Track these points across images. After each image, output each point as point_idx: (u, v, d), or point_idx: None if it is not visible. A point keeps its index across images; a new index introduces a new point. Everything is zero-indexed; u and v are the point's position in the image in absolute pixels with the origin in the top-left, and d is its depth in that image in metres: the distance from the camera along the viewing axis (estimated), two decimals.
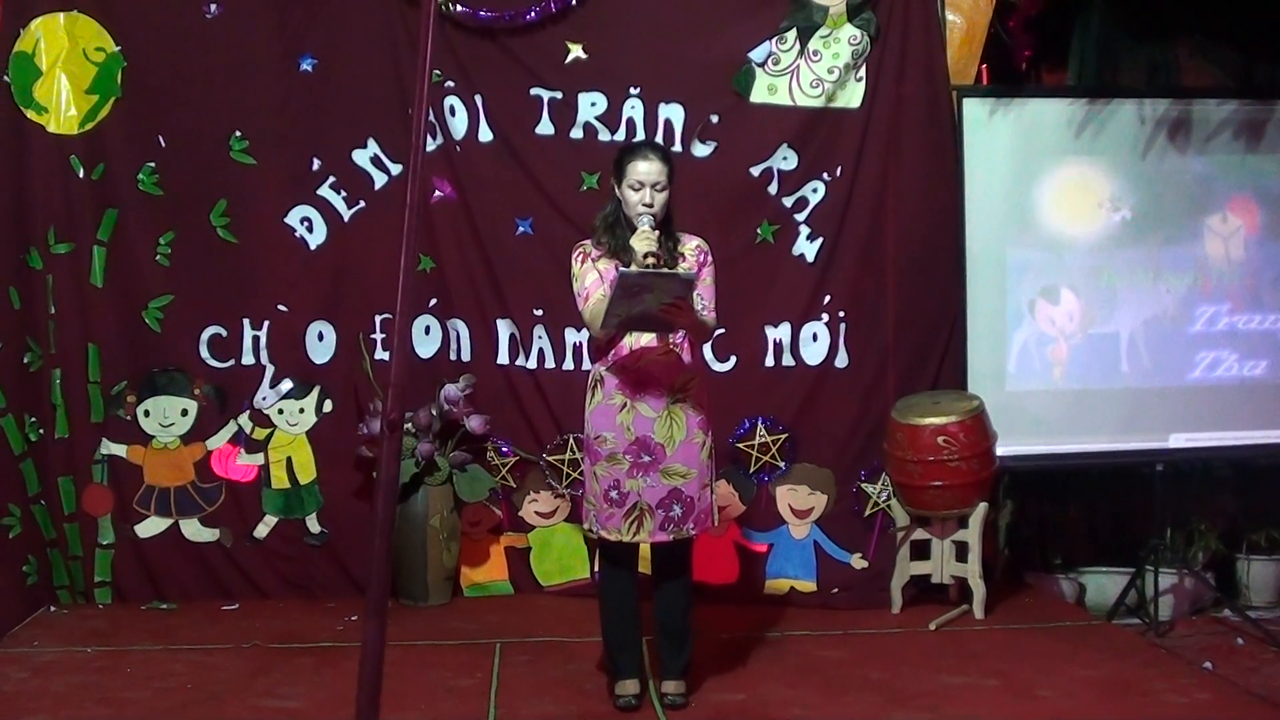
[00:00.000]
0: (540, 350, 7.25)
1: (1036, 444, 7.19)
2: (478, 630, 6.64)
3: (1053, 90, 7.69)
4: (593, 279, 5.30)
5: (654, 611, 5.53)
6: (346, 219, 7.22)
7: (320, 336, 7.24)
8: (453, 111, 7.19)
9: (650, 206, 5.24)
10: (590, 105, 7.20)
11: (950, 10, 7.30)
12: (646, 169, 5.27)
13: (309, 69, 7.15)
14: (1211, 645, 6.64)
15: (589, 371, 5.53)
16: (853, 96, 7.25)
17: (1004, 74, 7.67)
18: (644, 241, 5.15)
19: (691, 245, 5.42)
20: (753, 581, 7.26)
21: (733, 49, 7.20)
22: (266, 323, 7.19)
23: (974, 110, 7.18)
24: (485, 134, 7.22)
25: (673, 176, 5.33)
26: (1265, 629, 6.78)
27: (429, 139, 7.12)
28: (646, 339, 5.29)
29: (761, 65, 7.20)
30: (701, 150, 7.22)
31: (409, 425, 6.96)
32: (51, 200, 7.02)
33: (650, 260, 5.10)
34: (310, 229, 7.20)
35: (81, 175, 7.03)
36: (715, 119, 7.20)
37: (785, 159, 7.23)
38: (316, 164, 7.18)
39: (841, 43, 7.20)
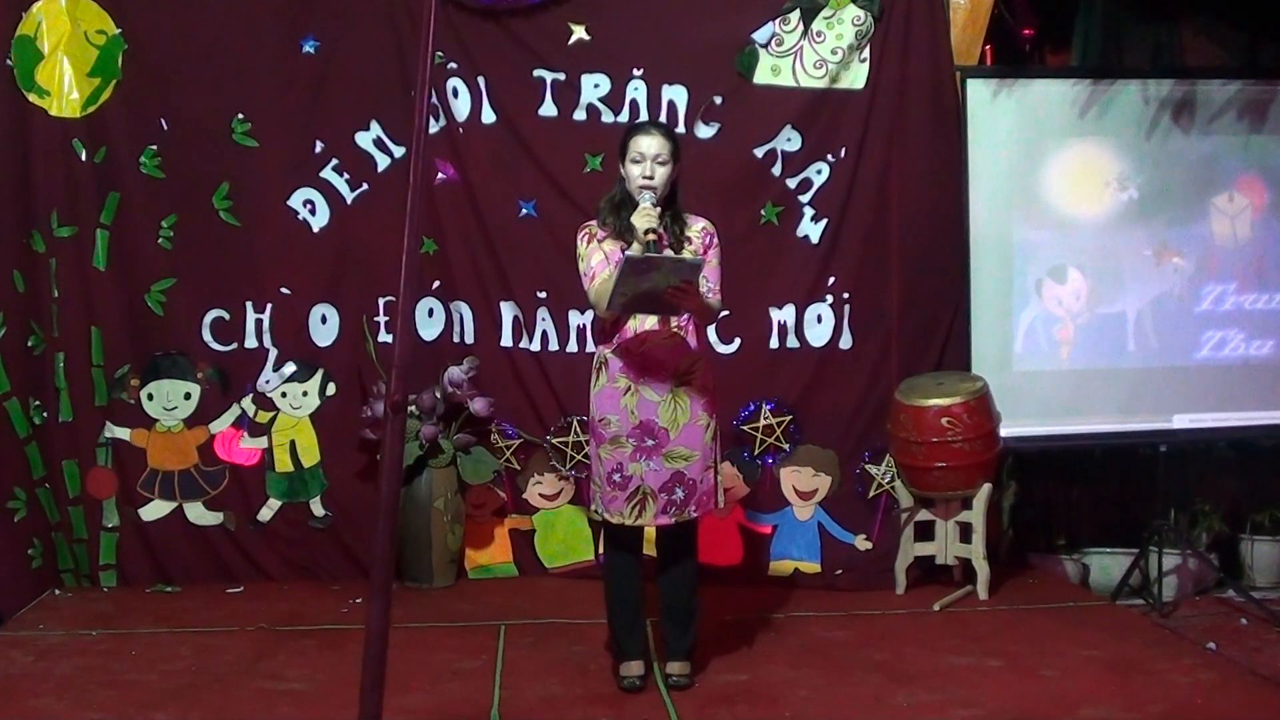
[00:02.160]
0: (544, 332, 7.24)
1: (1040, 425, 7.19)
2: (482, 612, 6.64)
3: (1057, 71, 7.72)
4: (598, 260, 5.29)
5: (659, 593, 5.53)
6: (349, 201, 7.21)
7: (323, 319, 7.24)
8: (455, 93, 7.18)
9: (650, 179, 5.22)
10: (593, 87, 7.18)
11: None
12: (647, 142, 5.25)
13: (311, 51, 7.13)
14: (1215, 626, 6.65)
15: (593, 354, 5.52)
16: (856, 77, 7.23)
17: (1008, 55, 7.68)
18: (644, 218, 5.13)
19: (698, 227, 5.40)
20: (757, 563, 7.27)
21: (736, 30, 7.19)
22: (269, 306, 7.19)
23: (978, 91, 7.17)
24: (488, 116, 7.20)
25: (677, 155, 5.32)
26: (1269, 609, 6.78)
27: (432, 121, 7.11)
28: (650, 322, 5.27)
29: (765, 46, 7.19)
30: (705, 132, 7.20)
31: (413, 408, 6.97)
32: (54, 184, 7.02)
33: (651, 237, 5.09)
34: (313, 211, 7.20)
35: (84, 158, 7.03)
36: (719, 100, 7.18)
37: (789, 140, 7.22)
38: (319, 146, 7.17)
39: (845, 23, 7.17)
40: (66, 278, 7.04)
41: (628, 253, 5.05)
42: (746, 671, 5.66)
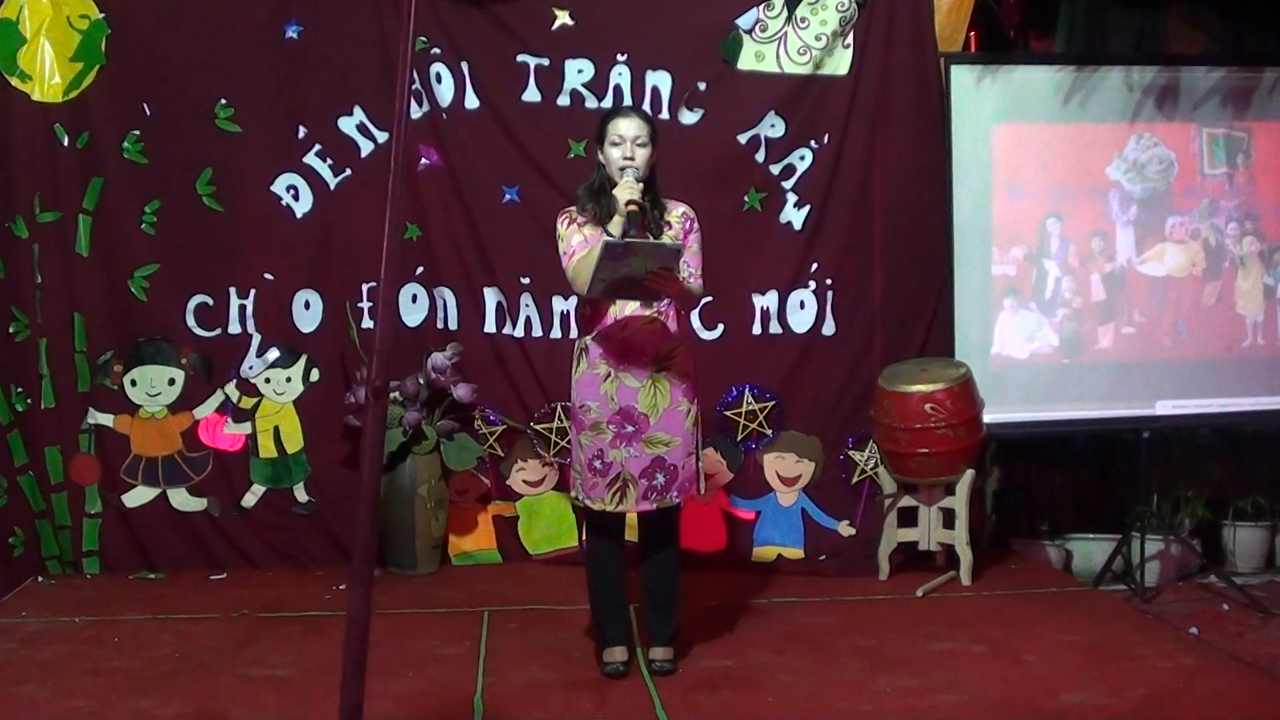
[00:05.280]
0: (527, 318, 7.24)
1: (1024, 411, 7.20)
2: (466, 598, 6.65)
3: (1041, 57, 7.69)
4: (578, 240, 5.27)
5: (642, 579, 5.53)
6: (333, 187, 7.20)
7: (307, 305, 7.23)
8: (439, 78, 7.16)
9: (631, 160, 5.22)
10: (577, 72, 7.17)
11: None
12: (626, 125, 5.25)
13: (294, 36, 7.12)
14: (1197, 611, 6.68)
15: (575, 340, 5.52)
16: (840, 64, 7.23)
17: (992, 41, 7.65)
18: (626, 190, 5.13)
19: (678, 212, 5.40)
20: (740, 549, 7.28)
21: (720, 16, 7.18)
22: (253, 291, 7.18)
23: (962, 77, 7.16)
24: (472, 101, 7.19)
25: (655, 139, 5.31)
26: (1250, 595, 6.81)
27: (415, 106, 7.11)
28: (631, 307, 5.27)
29: (749, 32, 7.18)
30: (689, 118, 7.20)
31: (396, 394, 6.97)
32: (37, 169, 7.01)
33: (632, 208, 5.08)
34: (296, 197, 7.19)
35: (66, 144, 7.01)
36: (703, 86, 7.18)
37: (773, 126, 7.22)
38: (302, 132, 7.16)
39: (829, 9, 7.17)
40: (49, 263, 7.03)
41: (606, 238, 5.04)
42: (730, 657, 5.67)
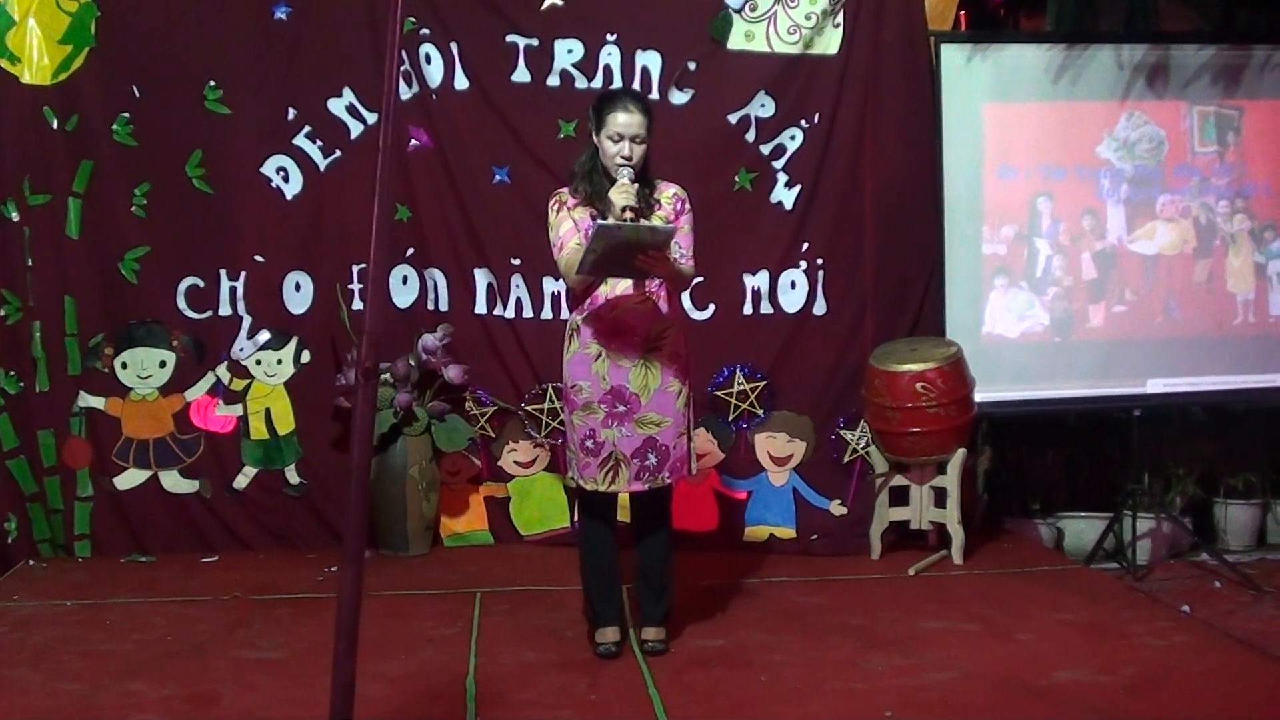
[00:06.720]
0: (518, 299, 7.23)
1: (1015, 390, 7.21)
2: (458, 580, 6.65)
3: (1031, 35, 7.70)
4: (567, 228, 5.28)
5: (634, 559, 5.54)
6: (323, 169, 7.19)
7: (297, 287, 7.22)
8: (428, 59, 7.14)
9: (629, 159, 5.21)
10: (567, 52, 7.15)
11: None
12: (626, 121, 5.23)
13: (283, 17, 7.09)
14: (1189, 589, 6.70)
15: (567, 320, 5.51)
16: (830, 43, 7.21)
17: (982, 20, 7.66)
18: (622, 195, 5.12)
19: (669, 193, 5.39)
20: (732, 529, 7.28)
21: None
22: (243, 273, 7.17)
23: (952, 56, 7.16)
24: (461, 82, 7.17)
25: (652, 127, 5.30)
26: (1242, 572, 6.84)
27: (405, 87, 7.09)
28: (622, 288, 5.26)
29: (739, 11, 7.16)
30: (679, 98, 7.18)
31: (387, 376, 6.96)
32: (26, 151, 6.99)
33: (628, 215, 5.07)
34: (286, 179, 7.17)
35: (55, 126, 6.99)
36: (693, 66, 7.16)
37: (763, 106, 7.20)
38: (292, 113, 7.13)
39: None
40: (40, 246, 7.01)
41: (599, 223, 5.03)
42: (722, 636, 5.68)
